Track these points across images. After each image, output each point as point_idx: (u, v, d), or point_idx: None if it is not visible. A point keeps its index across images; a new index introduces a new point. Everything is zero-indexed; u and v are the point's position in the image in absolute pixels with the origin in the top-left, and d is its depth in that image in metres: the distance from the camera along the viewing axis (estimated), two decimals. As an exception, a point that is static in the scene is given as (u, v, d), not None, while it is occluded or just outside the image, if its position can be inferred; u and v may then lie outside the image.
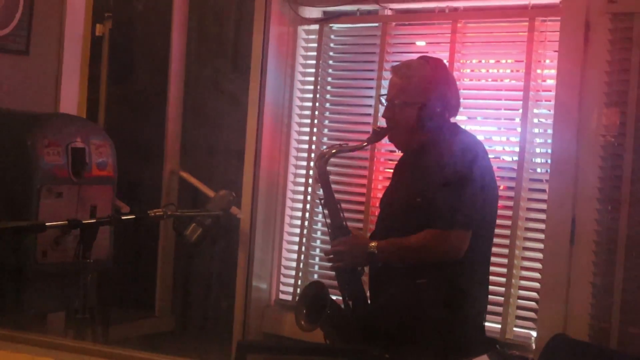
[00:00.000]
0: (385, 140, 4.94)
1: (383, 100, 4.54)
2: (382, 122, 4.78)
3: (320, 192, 4.82)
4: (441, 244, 4.20)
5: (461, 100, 5.23)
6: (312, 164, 6.16)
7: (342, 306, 4.45)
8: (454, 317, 4.22)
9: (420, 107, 4.35)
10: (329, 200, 4.56)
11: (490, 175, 4.48)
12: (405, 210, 4.38)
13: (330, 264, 4.63)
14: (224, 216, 4.57)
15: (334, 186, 5.13)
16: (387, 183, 5.43)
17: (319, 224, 6.16)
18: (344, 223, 4.53)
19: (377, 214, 4.98)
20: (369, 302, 4.45)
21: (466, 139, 4.51)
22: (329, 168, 4.77)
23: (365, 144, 4.85)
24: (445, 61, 5.34)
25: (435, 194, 4.21)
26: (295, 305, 4.94)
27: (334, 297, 4.48)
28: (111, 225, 5.08)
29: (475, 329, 4.39)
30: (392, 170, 5.02)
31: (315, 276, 6.18)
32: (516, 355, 3.71)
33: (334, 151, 4.84)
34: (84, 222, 4.09)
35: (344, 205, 4.72)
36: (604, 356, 4.03)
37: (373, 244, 4.33)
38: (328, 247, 4.90)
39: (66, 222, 4.14)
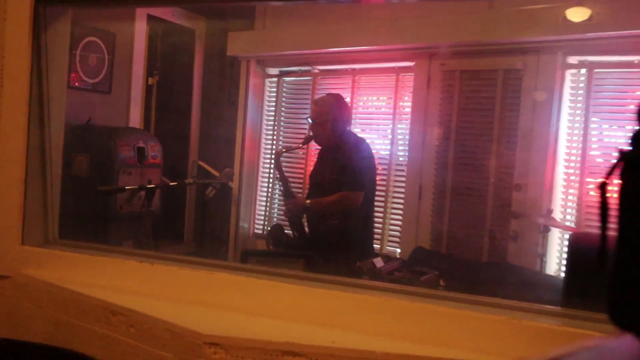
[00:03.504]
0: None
1: (309, 120, 4.51)
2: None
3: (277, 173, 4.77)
4: (346, 200, 4.19)
5: (357, 120, 5.21)
6: (273, 155, 6.16)
7: (292, 236, 4.45)
8: (354, 238, 4.24)
9: (330, 122, 4.33)
10: (282, 178, 4.54)
11: (372, 159, 4.50)
12: (323, 181, 4.37)
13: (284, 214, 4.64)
14: (227, 183, 4.53)
15: (287, 169, 5.14)
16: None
17: (277, 191, 6.14)
18: (291, 190, 4.52)
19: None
20: (307, 233, 4.43)
21: (358, 139, 4.50)
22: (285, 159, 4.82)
23: (302, 144, 4.86)
24: (347, 98, 5.34)
25: (341, 171, 4.22)
26: (265, 238, 4.94)
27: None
28: (161, 189, 5.03)
29: (368, 245, 4.42)
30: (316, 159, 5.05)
31: (275, 219, 6.15)
32: (395, 258, 3.71)
33: (284, 150, 4.90)
34: (147, 186, 4.06)
35: (291, 180, 4.76)
36: (441, 257, 4.04)
37: (308, 201, 4.34)
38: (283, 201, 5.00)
39: (137, 186, 4.12)
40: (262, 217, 6.23)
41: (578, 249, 2.22)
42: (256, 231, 6.24)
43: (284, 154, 5.12)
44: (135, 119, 5.80)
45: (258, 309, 2.42)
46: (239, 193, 6.08)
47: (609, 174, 0.73)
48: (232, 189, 6.06)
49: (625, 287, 0.71)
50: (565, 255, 4.64)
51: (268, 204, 6.17)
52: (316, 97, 5.83)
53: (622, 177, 0.72)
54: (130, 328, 2.36)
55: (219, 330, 2.18)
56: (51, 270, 2.77)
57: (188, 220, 6.42)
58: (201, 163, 6.33)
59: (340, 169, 4.21)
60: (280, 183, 4.58)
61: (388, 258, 3.69)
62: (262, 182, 6.26)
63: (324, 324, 2.29)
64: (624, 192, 0.71)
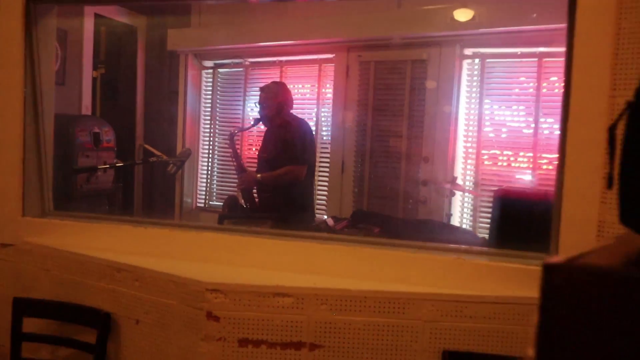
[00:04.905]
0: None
1: (257, 105, 4.55)
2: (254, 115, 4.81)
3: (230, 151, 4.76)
4: (292, 173, 4.25)
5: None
6: (212, 137, 6.17)
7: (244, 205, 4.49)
8: (299, 204, 4.32)
9: (276, 106, 4.39)
10: (235, 155, 4.57)
11: (312, 137, 4.57)
12: (271, 157, 4.40)
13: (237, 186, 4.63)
14: (185, 161, 4.53)
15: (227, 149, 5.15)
16: (251, 147, 5.54)
17: (216, 168, 6.17)
18: (244, 166, 4.55)
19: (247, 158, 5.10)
20: (257, 202, 4.47)
21: (299, 120, 4.57)
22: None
23: (252, 126, 4.88)
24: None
25: (287, 148, 4.28)
26: (222, 208, 4.93)
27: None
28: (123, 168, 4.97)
29: (311, 209, 4.53)
30: (251, 141, 5.08)
31: (215, 194, 6.18)
32: (342, 218, 3.84)
33: (236, 131, 4.88)
34: (117, 164, 4.02)
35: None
36: (377, 216, 4.17)
37: (259, 175, 4.39)
38: (222, 179, 5.14)
39: (108, 165, 4.06)
40: (204, 193, 6.25)
41: (503, 200, 2.45)
42: (198, 204, 6.26)
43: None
44: (87, 107, 5.68)
45: (243, 261, 2.54)
46: (182, 171, 6.06)
47: (617, 122, 0.89)
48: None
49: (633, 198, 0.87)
50: (466, 211, 4.96)
51: (208, 181, 6.20)
52: (248, 87, 5.90)
53: (630, 125, 0.87)
54: (135, 282, 2.43)
55: (216, 279, 2.29)
56: (52, 237, 2.79)
57: (137, 195, 6.35)
58: (146, 146, 6.22)
59: (285, 145, 4.28)
60: (233, 159, 4.60)
61: (336, 218, 3.84)
62: (202, 161, 6.27)
63: (303, 271, 2.43)
64: (630, 133, 0.87)
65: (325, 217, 5.23)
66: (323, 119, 5.61)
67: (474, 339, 2.18)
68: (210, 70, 6.21)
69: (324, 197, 5.53)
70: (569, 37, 2.08)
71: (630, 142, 0.88)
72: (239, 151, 4.69)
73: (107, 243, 2.70)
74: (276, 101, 4.38)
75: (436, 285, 2.27)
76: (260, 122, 4.58)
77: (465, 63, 4.96)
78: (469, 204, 4.96)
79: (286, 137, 4.31)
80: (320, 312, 2.21)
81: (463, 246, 2.40)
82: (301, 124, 4.47)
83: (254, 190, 4.45)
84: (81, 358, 2.53)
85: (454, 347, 2.19)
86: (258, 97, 4.56)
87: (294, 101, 4.62)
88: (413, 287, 2.26)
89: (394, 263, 2.37)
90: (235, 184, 4.91)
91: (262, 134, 4.76)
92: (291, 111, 4.51)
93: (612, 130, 0.90)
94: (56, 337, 2.56)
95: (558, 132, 2.24)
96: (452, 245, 2.39)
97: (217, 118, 6.20)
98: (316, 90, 5.63)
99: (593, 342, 0.70)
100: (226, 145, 5.92)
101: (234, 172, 4.92)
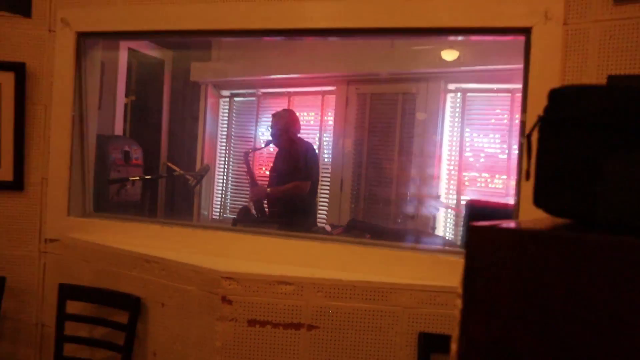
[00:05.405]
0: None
1: (269, 129, 4.70)
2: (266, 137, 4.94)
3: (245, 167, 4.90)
4: (298, 188, 4.36)
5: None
6: (227, 157, 6.33)
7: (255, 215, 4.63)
8: (303, 214, 4.44)
9: (285, 130, 4.55)
10: (249, 171, 4.71)
11: (316, 157, 4.71)
12: (279, 174, 4.53)
13: (250, 198, 4.75)
14: (204, 175, 4.67)
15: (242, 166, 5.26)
16: (261, 167, 5.69)
17: (230, 184, 6.33)
18: (256, 180, 4.69)
19: (257, 176, 5.24)
20: (267, 212, 4.58)
21: (304, 142, 4.69)
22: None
23: (263, 146, 4.99)
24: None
25: (293, 166, 4.43)
26: (235, 217, 5.04)
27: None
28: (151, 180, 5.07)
29: (312, 217, 4.66)
30: (261, 162, 5.23)
31: (229, 207, 6.33)
32: (338, 225, 3.97)
33: (251, 150, 5.03)
34: (145, 177, 4.17)
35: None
36: (369, 225, 4.28)
37: (268, 189, 4.53)
38: (236, 194, 5.20)
39: (138, 177, 4.22)
40: (219, 206, 6.42)
41: (473, 208, 2.65)
42: (214, 216, 6.42)
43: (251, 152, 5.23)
44: (119, 129, 5.89)
45: (253, 256, 2.72)
46: (200, 186, 6.23)
47: (531, 131, 1.09)
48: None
49: (546, 185, 1.07)
50: (448, 224, 5.13)
51: (223, 195, 6.38)
52: (260, 114, 6.10)
53: (540, 133, 1.07)
54: (162, 271, 2.62)
55: (230, 269, 2.47)
56: (92, 234, 2.98)
57: (160, 206, 6.50)
58: (169, 164, 6.40)
59: (292, 163, 4.42)
60: (247, 174, 4.73)
61: (333, 226, 4.01)
62: (218, 178, 6.45)
63: (303, 264, 2.61)
64: (541, 139, 1.07)
65: (325, 225, 5.41)
66: (325, 142, 5.76)
67: (445, 323, 2.35)
68: (227, 99, 6.39)
69: (325, 210, 5.68)
70: (525, 73, 2.29)
71: (541, 145, 1.08)
72: (252, 168, 4.84)
73: (138, 239, 2.89)
74: (285, 125, 4.55)
75: (414, 277, 2.44)
76: (271, 143, 4.72)
77: (449, 96, 5.12)
78: (451, 219, 5.14)
79: (293, 156, 4.45)
80: (316, 298, 2.39)
81: (439, 247, 2.59)
82: (306, 145, 4.62)
83: (265, 203, 4.60)
84: (114, 336, 2.71)
85: (428, 329, 2.36)
86: (270, 121, 4.73)
87: (301, 126, 4.79)
88: (395, 278, 2.43)
89: (380, 259, 2.55)
90: (247, 198, 5.06)
91: (272, 157, 4.91)
92: (298, 135, 4.68)
93: (528, 137, 1.10)
94: (94, 317, 2.75)
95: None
96: (429, 245, 2.57)
97: (232, 140, 6.39)
98: (319, 117, 5.78)
99: (505, 286, 0.91)
100: (240, 162, 6.09)
101: (247, 187, 5.05)
